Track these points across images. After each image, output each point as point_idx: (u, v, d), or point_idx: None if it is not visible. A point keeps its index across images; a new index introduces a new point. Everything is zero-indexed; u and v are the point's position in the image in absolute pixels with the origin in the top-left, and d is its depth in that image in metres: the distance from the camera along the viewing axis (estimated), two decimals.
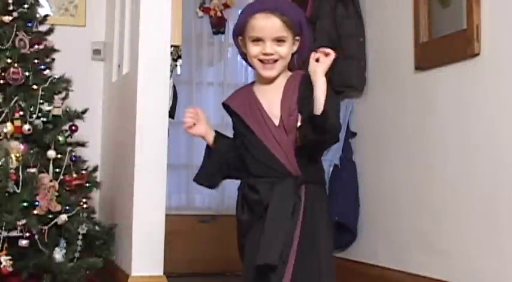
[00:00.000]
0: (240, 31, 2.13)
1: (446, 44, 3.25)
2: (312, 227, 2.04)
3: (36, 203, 3.22)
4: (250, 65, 2.16)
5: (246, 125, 2.11)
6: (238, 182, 2.19)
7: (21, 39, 3.45)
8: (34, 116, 3.38)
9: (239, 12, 2.25)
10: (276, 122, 2.08)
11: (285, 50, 2.08)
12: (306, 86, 2.05)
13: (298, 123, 2.04)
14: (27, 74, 3.42)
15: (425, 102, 3.42)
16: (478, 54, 3.02)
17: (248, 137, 2.10)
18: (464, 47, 3.08)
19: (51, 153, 3.36)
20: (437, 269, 3.23)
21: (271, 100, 2.10)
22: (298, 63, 2.16)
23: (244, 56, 2.16)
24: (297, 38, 2.12)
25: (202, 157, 2.32)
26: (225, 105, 2.21)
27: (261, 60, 2.09)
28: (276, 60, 2.09)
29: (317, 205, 2.08)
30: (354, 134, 4.06)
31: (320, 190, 2.14)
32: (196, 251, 4.64)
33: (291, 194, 2.04)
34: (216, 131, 2.26)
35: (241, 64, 5.09)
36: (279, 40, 2.08)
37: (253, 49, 2.08)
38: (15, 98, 3.38)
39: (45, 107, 3.42)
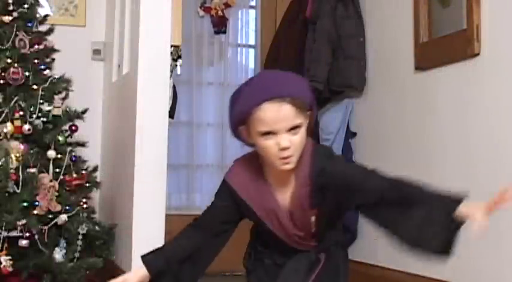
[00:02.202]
0: (242, 121, 1.80)
1: (446, 44, 3.25)
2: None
3: (36, 203, 3.22)
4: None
5: (257, 216, 1.94)
6: None
7: (21, 39, 3.45)
8: (34, 116, 3.38)
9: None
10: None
11: (301, 136, 1.79)
12: (320, 176, 1.84)
13: (312, 219, 1.90)
14: (27, 74, 3.42)
15: (425, 102, 3.41)
16: (478, 54, 3.02)
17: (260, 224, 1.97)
18: (464, 47, 3.08)
19: (51, 153, 3.36)
20: (437, 269, 3.23)
21: (285, 191, 1.90)
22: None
23: (249, 144, 1.86)
24: (308, 113, 1.82)
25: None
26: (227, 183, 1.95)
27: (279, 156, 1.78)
28: (293, 154, 1.79)
29: (335, 268, 2.01)
30: (354, 134, 4.06)
31: (340, 253, 2.06)
32: None
33: (305, 258, 1.98)
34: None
35: (241, 64, 5.09)
36: (295, 127, 1.77)
37: (269, 145, 1.77)
38: (15, 98, 3.38)
39: (45, 107, 3.42)
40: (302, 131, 1.78)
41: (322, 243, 1.99)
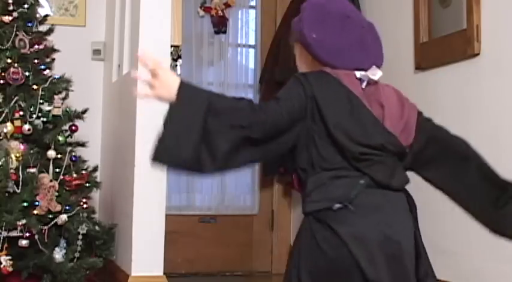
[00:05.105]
0: None
1: (446, 44, 3.25)
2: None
3: (36, 203, 3.22)
4: None
5: None
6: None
7: (21, 39, 3.45)
8: (34, 116, 3.39)
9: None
10: None
11: (297, 59, 2.03)
12: None
13: None
14: (27, 74, 3.42)
15: (426, 102, 3.40)
16: (478, 54, 3.02)
17: None
18: (464, 47, 3.08)
19: (51, 153, 3.36)
20: (438, 269, 3.22)
21: None
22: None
23: None
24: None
25: None
26: None
27: None
28: None
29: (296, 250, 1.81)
30: None
31: (306, 226, 1.79)
32: (196, 251, 4.64)
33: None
34: None
35: (241, 64, 5.09)
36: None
37: None
38: (15, 98, 3.38)
39: (45, 107, 3.42)
40: (297, 55, 2.01)
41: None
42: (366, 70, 1.86)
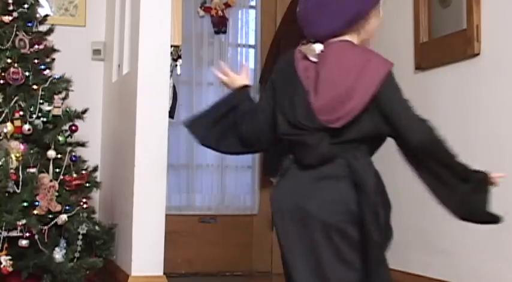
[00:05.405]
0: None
1: (446, 44, 3.25)
2: None
3: (36, 203, 3.22)
4: None
5: None
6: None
7: (21, 39, 3.45)
8: (34, 116, 3.39)
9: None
10: None
11: None
12: None
13: None
14: (27, 74, 3.42)
15: (426, 102, 3.40)
16: (478, 54, 3.02)
17: None
18: (464, 47, 3.08)
19: (51, 153, 3.36)
20: (437, 269, 3.23)
21: None
22: None
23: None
24: None
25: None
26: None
27: None
28: None
29: None
30: None
31: None
32: (196, 251, 4.64)
33: None
34: None
35: (241, 64, 5.09)
36: None
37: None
38: (15, 98, 3.38)
39: (45, 107, 3.42)
40: None
41: None
42: (337, 35, 1.92)
